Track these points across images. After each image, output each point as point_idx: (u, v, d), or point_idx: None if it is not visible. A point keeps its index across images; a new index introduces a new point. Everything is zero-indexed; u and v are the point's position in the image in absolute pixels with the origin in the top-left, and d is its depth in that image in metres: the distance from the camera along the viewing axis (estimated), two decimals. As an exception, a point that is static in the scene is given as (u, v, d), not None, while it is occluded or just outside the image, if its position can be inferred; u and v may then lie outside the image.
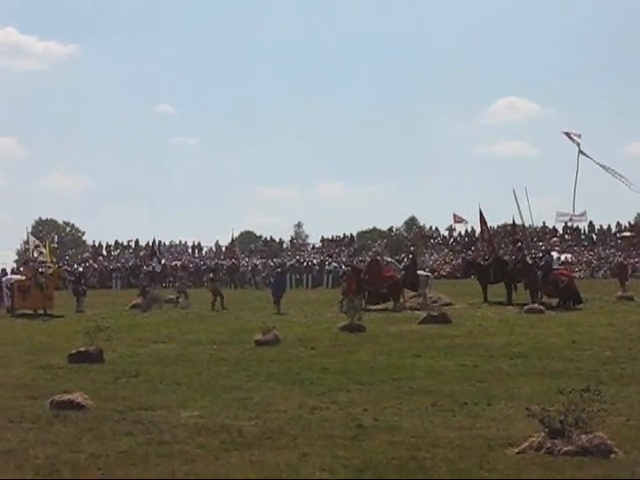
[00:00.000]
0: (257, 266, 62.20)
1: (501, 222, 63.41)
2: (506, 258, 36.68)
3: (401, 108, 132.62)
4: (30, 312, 34.05)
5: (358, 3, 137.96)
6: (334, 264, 60.06)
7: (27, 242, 45.81)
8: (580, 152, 42.75)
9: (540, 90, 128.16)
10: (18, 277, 37.48)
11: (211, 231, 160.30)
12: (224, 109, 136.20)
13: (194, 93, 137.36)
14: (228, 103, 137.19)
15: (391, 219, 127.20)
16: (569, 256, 57.95)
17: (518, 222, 38.88)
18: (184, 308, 35.54)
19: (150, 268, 59.97)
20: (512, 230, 41.34)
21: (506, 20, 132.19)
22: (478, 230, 50.14)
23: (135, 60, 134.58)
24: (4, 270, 49.75)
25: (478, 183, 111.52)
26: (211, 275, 40.11)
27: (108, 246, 75.89)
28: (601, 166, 42.81)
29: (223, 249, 71.63)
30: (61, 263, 59.04)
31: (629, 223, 68.45)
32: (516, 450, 9.96)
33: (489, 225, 42.54)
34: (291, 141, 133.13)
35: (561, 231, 66.40)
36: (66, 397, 13.29)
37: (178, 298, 37.82)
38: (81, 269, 59.41)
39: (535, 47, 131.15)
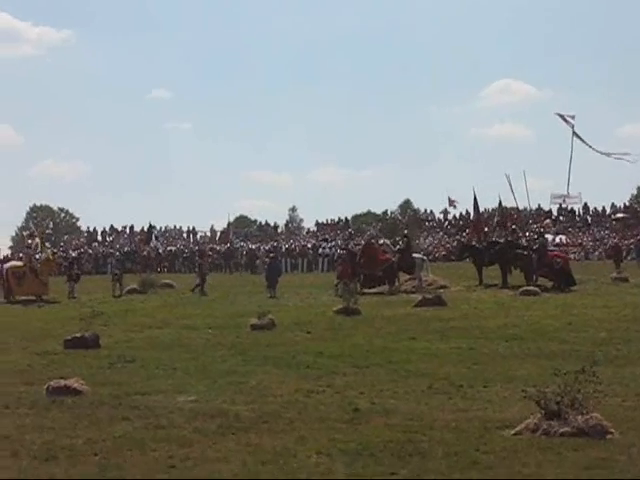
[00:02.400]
0: (255, 250, 61.92)
1: (496, 205, 63.28)
2: (500, 240, 36.56)
3: (395, 92, 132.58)
4: (26, 298, 33.96)
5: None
6: (329, 248, 60.04)
7: (26, 229, 45.83)
8: (574, 134, 42.81)
9: (535, 72, 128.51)
10: (15, 263, 37.49)
11: (206, 216, 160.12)
12: (218, 94, 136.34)
13: (189, 78, 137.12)
14: (222, 88, 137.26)
15: (385, 202, 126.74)
16: (564, 238, 57.94)
17: (513, 205, 38.93)
18: (204, 295, 35.34)
19: (145, 253, 59.97)
20: (500, 212, 41.08)
21: (500, 2, 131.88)
22: (472, 213, 50.09)
23: (129, 45, 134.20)
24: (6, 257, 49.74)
25: (473, 166, 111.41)
26: (199, 261, 39.69)
27: (103, 232, 75.80)
28: (594, 149, 42.90)
29: (218, 234, 71.57)
30: (55, 249, 58.97)
31: (624, 204, 68.45)
32: (512, 432, 9.99)
33: (485, 208, 42.60)
34: (285, 126, 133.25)
35: (555, 213, 66.23)
36: (62, 383, 13.30)
37: (200, 285, 37.33)
38: (74, 254, 59.29)
39: (530, 29, 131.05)
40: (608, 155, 43.96)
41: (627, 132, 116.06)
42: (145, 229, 67.01)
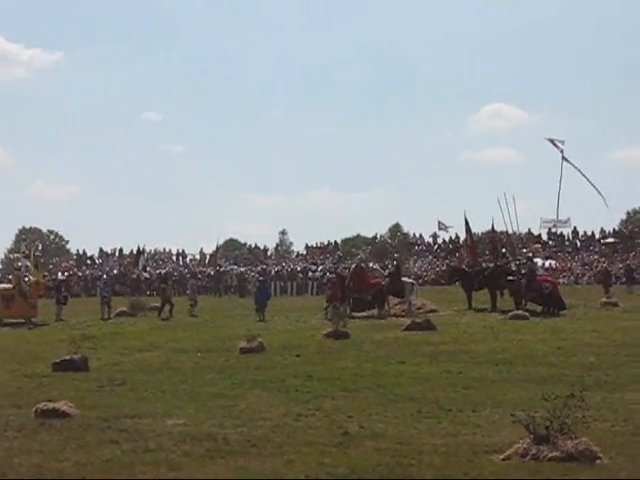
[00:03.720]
0: (245, 273, 61.87)
1: (486, 229, 63.39)
2: (490, 265, 36.59)
3: (387, 115, 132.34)
4: (15, 321, 33.82)
5: (343, 12, 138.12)
6: (318, 271, 60.03)
7: (17, 250, 45.77)
8: (563, 158, 43.02)
9: (527, 97, 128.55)
10: (3, 285, 37.40)
11: (196, 238, 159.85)
12: (210, 116, 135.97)
13: (180, 101, 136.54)
14: (214, 110, 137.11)
15: (375, 226, 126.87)
16: (553, 262, 58.07)
17: (503, 229, 38.97)
18: (194, 316, 35.48)
19: (134, 276, 59.83)
20: (491, 236, 41.15)
21: (493, 27, 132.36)
22: (463, 237, 50.14)
23: (121, 68, 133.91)
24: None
25: (464, 190, 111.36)
26: (163, 285, 39.53)
27: (91, 256, 75.62)
28: (582, 174, 43.11)
29: (207, 257, 71.49)
30: (45, 272, 58.83)
31: (613, 229, 68.53)
32: (501, 456, 9.97)
33: (474, 232, 42.60)
34: (276, 148, 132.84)
35: (545, 237, 66.41)
36: (51, 405, 13.27)
37: (192, 306, 37.73)
38: (61, 277, 59.12)
39: (522, 54, 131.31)
40: (594, 187, 44.17)
41: (618, 157, 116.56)
42: (135, 252, 66.93)
